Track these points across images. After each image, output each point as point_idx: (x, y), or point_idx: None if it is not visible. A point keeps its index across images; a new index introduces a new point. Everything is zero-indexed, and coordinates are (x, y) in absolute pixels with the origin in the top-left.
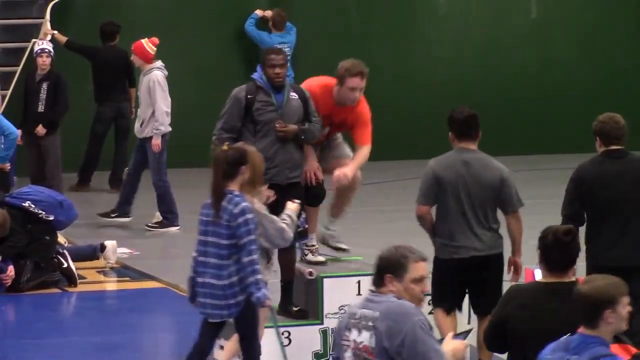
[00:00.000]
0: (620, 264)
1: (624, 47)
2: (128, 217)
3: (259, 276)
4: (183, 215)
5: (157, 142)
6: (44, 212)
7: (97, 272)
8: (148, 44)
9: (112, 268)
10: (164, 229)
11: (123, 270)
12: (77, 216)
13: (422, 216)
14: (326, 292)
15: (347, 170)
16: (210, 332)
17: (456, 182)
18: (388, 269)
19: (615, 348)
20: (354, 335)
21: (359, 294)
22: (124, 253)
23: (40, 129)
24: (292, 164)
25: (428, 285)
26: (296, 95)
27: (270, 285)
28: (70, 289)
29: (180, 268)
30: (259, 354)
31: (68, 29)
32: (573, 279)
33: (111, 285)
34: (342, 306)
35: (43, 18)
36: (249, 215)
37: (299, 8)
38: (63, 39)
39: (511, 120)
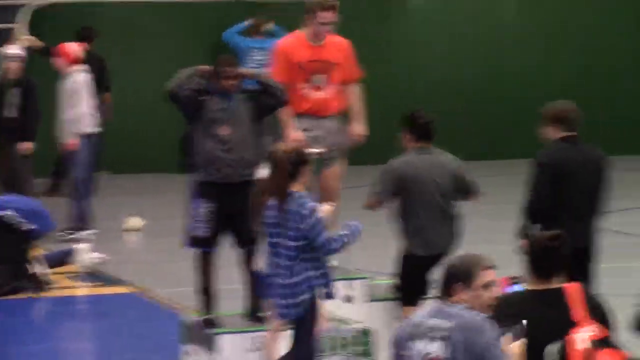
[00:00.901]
0: (581, 246)
1: (618, 50)
2: (91, 229)
3: (345, 238)
4: (162, 222)
5: (74, 141)
6: (24, 221)
7: (69, 277)
8: (73, 47)
9: (83, 273)
10: (78, 235)
11: (94, 276)
12: (55, 227)
13: (372, 208)
14: None
15: (358, 130)
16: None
17: (423, 178)
18: (458, 277)
19: (605, 353)
20: (420, 345)
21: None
22: (96, 258)
23: (27, 146)
24: (245, 162)
25: (496, 291)
26: (243, 95)
27: (234, 292)
28: (42, 295)
29: (151, 273)
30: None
31: (44, 35)
32: (560, 285)
33: (82, 290)
34: None
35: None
36: (319, 214)
37: (279, 17)
38: (38, 44)
39: (501, 124)
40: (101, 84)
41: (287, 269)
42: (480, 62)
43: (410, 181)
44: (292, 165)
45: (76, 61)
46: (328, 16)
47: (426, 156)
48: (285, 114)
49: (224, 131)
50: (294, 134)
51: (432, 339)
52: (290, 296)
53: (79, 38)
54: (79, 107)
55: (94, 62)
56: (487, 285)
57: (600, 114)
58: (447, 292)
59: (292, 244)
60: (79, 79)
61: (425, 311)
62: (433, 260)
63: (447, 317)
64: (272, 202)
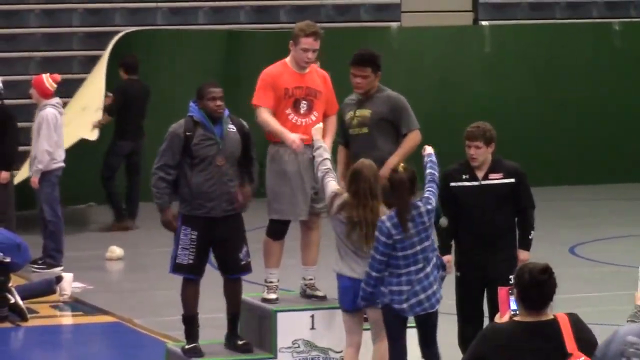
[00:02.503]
0: None
1: (576, 80)
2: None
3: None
4: (144, 251)
5: (35, 179)
6: (1, 254)
7: (50, 306)
8: (48, 80)
9: (65, 302)
10: (50, 269)
11: (76, 305)
12: (30, 259)
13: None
14: (280, 326)
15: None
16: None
17: None
18: None
19: None
20: None
21: (312, 327)
22: (77, 287)
23: (4, 175)
24: (229, 197)
25: None
26: (234, 128)
27: (217, 321)
28: (23, 324)
29: (133, 302)
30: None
31: None
32: (551, 316)
33: (64, 319)
34: (295, 340)
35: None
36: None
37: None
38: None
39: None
40: (144, 113)
41: (426, 267)
42: (434, 95)
43: None
44: (411, 183)
45: (45, 95)
46: (309, 42)
47: None
48: (272, 123)
49: (219, 162)
50: (291, 135)
51: None
52: (434, 282)
53: (123, 67)
54: (38, 144)
55: (139, 92)
56: None
57: (554, 146)
58: None
59: (428, 242)
60: (43, 114)
61: (631, 327)
62: None
63: None
64: (390, 220)
